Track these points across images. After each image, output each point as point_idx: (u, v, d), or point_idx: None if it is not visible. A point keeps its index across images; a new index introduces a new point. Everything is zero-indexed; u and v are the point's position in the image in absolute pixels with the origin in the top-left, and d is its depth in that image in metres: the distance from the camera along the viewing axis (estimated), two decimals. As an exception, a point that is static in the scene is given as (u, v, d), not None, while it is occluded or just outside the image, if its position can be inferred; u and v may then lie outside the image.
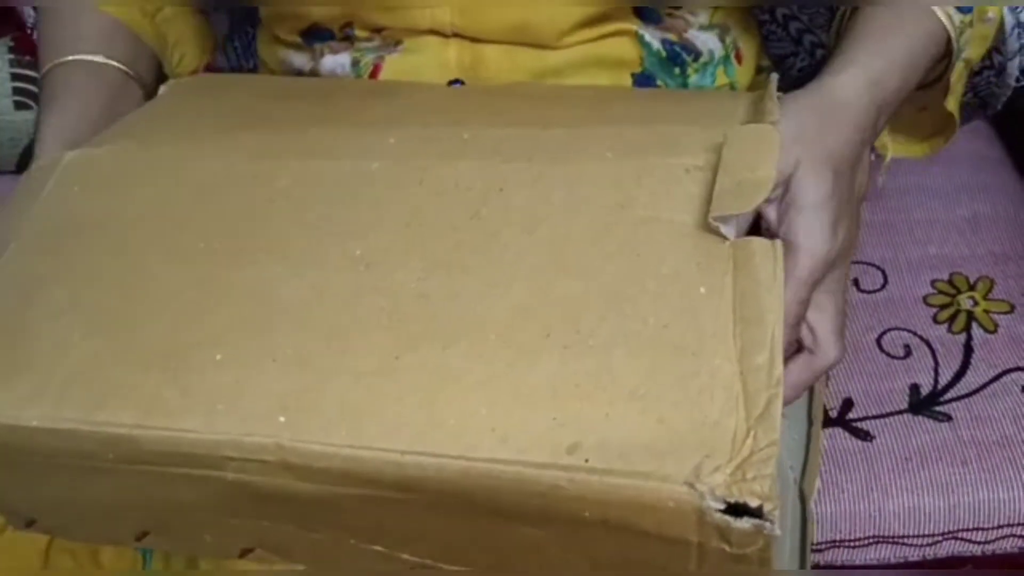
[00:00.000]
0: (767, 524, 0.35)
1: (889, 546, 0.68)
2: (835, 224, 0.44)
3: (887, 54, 0.48)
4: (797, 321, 0.44)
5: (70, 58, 0.61)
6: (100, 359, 0.44)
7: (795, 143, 0.44)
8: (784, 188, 0.44)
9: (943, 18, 0.49)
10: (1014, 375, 0.72)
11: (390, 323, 0.42)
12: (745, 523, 0.35)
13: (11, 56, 0.90)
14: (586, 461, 0.37)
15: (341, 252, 0.45)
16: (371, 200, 0.47)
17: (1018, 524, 0.66)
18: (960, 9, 0.50)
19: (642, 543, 0.38)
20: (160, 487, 0.44)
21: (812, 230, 0.43)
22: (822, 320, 0.45)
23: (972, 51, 0.53)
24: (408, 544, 0.44)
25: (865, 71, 0.47)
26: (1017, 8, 0.54)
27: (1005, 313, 0.77)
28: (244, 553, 0.49)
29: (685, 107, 0.51)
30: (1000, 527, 0.67)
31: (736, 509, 0.35)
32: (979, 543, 0.67)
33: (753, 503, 0.35)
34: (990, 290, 0.78)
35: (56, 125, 0.57)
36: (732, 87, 0.61)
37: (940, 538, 0.67)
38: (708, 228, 0.42)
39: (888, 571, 0.69)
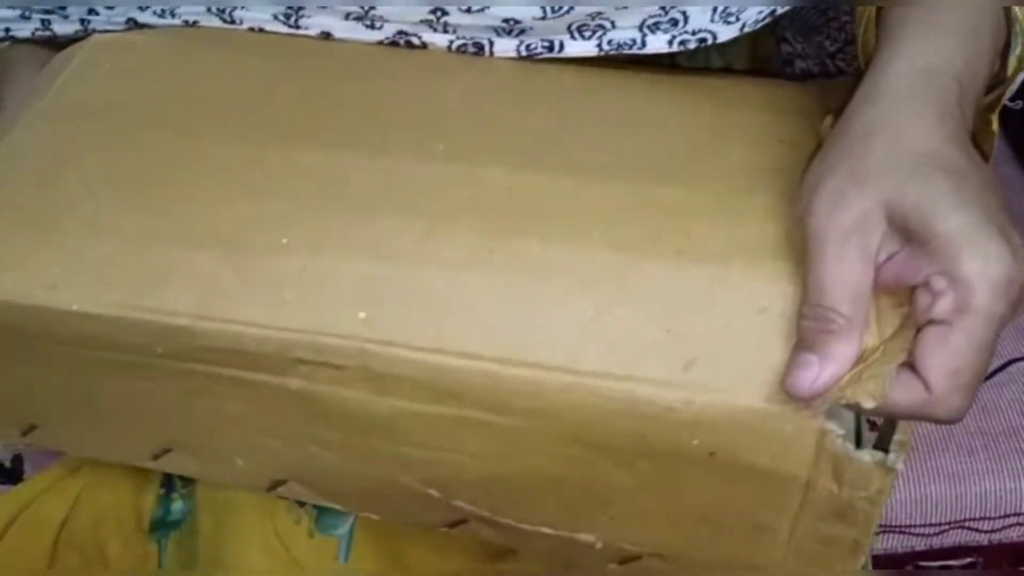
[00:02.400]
0: (889, 458, 0.32)
1: (896, 536, 0.68)
2: (1002, 230, 0.31)
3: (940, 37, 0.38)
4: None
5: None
6: (145, 236, 0.38)
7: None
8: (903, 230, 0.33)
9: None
10: (1020, 365, 0.73)
11: (479, 213, 0.37)
12: (866, 456, 0.32)
13: None
14: (704, 380, 0.33)
15: (418, 144, 0.40)
16: (449, 97, 0.43)
17: (1026, 513, 0.67)
18: None
19: (741, 486, 0.35)
20: (203, 393, 0.39)
21: (976, 246, 0.31)
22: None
23: None
24: (466, 489, 0.40)
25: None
26: None
27: (1010, 304, 0.77)
28: (274, 485, 0.44)
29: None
30: (1007, 516, 0.67)
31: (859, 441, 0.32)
32: (986, 532, 0.68)
33: (866, 403, 0.31)
34: (995, 281, 0.79)
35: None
36: None
37: (947, 527, 0.67)
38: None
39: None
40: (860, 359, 0.32)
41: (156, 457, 0.44)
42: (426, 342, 0.35)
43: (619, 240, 0.36)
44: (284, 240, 0.37)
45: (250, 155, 0.40)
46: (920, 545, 0.68)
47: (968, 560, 0.69)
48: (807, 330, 0.33)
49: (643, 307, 0.34)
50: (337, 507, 0.44)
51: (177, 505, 0.55)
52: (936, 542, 0.68)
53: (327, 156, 0.40)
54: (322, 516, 0.53)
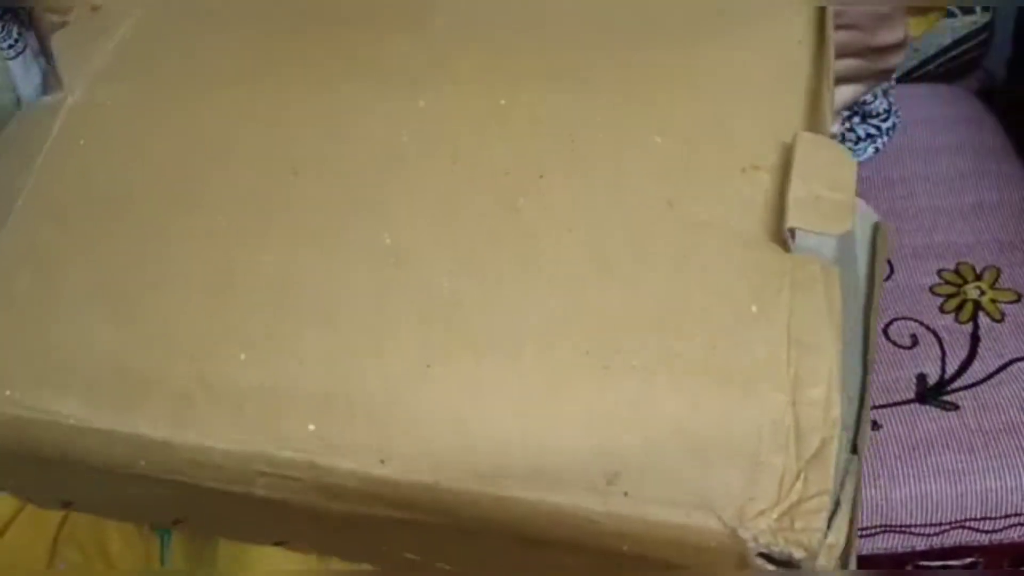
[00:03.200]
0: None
1: (896, 535, 0.68)
2: None
3: None
4: None
5: None
6: (126, 350, 0.41)
7: None
8: None
9: None
10: (1021, 364, 0.72)
11: (420, 326, 0.39)
12: (786, 573, 0.33)
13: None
14: (625, 494, 0.35)
15: (370, 239, 0.42)
16: (401, 179, 0.44)
17: (1025, 513, 0.67)
18: None
19: (676, 573, 0.36)
20: (189, 496, 0.42)
21: None
22: None
23: None
24: (442, 557, 0.43)
25: None
26: None
27: (1012, 302, 0.77)
28: (280, 543, 0.49)
29: (736, 66, 0.45)
30: (1008, 516, 0.67)
31: (775, 561, 0.33)
32: (987, 532, 0.67)
33: (798, 555, 0.33)
34: (996, 279, 0.78)
35: None
36: None
37: (948, 527, 0.67)
38: (764, 238, 0.38)
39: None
40: (780, 494, 0.33)
41: (175, 523, 0.50)
42: (369, 455, 0.37)
43: (551, 359, 0.37)
44: (242, 356, 0.40)
45: (213, 256, 0.43)
46: (920, 545, 0.68)
47: (969, 560, 0.69)
48: None
49: (570, 425, 0.36)
50: (335, 559, 0.49)
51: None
52: (936, 542, 0.68)
53: (283, 257, 0.42)
54: None
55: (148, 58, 0.52)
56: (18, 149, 0.49)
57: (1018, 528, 0.67)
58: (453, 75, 0.46)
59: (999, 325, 0.75)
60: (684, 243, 0.39)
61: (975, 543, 0.68)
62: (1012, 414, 0.69)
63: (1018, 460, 0.67)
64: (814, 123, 0.42)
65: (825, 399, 0.34)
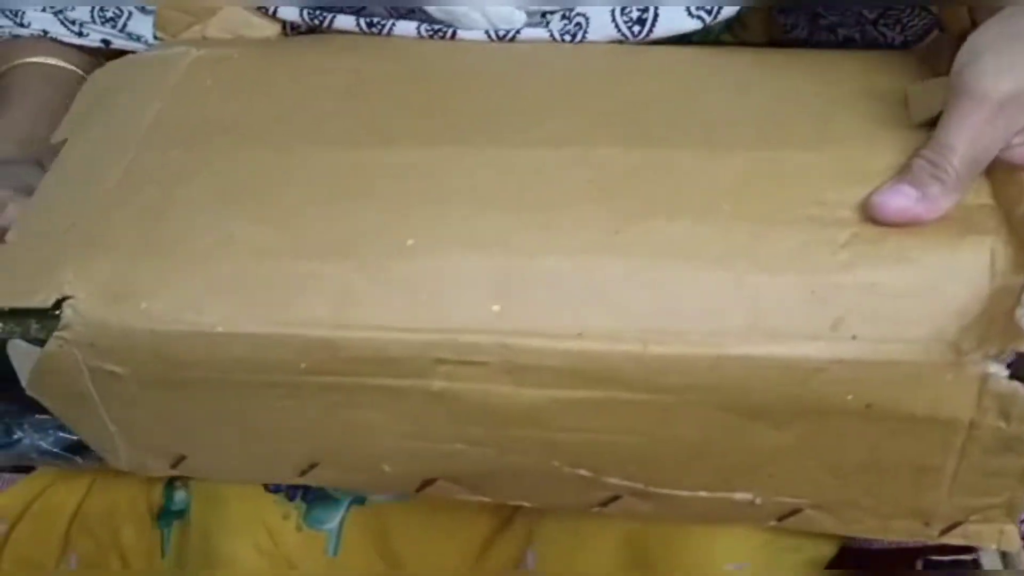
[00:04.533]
0: None
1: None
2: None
3: None
4: None
5: (25, 61, 0.62)
6: (272, 250, 0.39)
7: None
8: None
9: None
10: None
11: (600, 196, 0.37)
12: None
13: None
14: (854, 337, 0.34)
15: (525, 130, 0.41)
16: (547, 90, 0.43)
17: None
18: None
19: (902, 435, 0.36)
20: (347, 405, 0.39)
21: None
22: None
23: None
24: (620, 465, 0.40)
25: None
26: None
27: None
28: (424, 485, 0.44)
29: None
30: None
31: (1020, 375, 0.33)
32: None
33: None
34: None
35: (10, 122, 0.58)
36: None
37: None
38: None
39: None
40: (1007, 315, 0.33)
41: (303, 473, 0.45)
42: (565, 329, 0.35)
43: (751, 211, 0.36)
44: (409, 242, 0.38)
45: (354, 160, 0.41)
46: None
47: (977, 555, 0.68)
48: (920, 168, 0.36)
49: (784, 272, 0.35)
50: (486, 499, 0.44)
51: (180, 494, 0.56)
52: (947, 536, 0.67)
53: (430, 153, 0.40)
54: (311, 510, 0.53)
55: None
56: (144, 86, 0.49)
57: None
58: None
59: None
60: (857, 119, 0.40)
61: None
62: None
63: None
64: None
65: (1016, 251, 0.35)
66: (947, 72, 0.37)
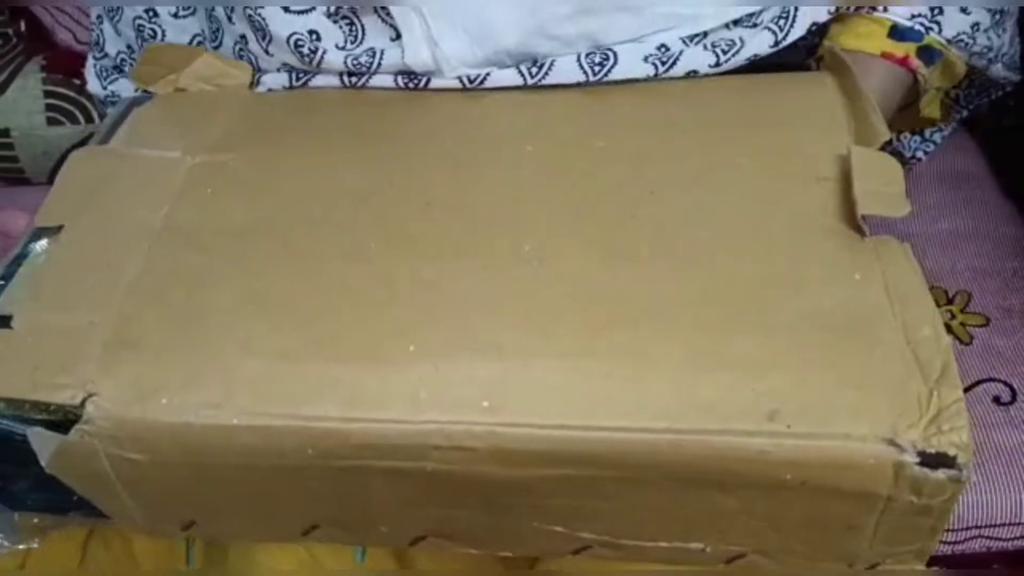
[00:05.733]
0: (962, 473, 0.39)
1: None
2: None
3: None
4: None
5: None
6: (293, 354, 0.43)
7: None
8: None
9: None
10: (985, 385, 0.76)
11: (579, 308, 0.44)
12: (940, 474, 0.39)
13: (43, 75, 0.94)
14: (788, 427, 0.40)
15: (512, 246, 0.47)
16: (529, 198, 0.50)
17: (986, 526, 0.70)
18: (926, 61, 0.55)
19: (832, 502, 0.41)
20: (351, 482, 0.43)
21: None
22: None
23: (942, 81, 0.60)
24: (592, 523, 0.46)
25: None
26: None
27: (980, 326, 0.81)
28: (415, 541, 0.49)
29: (786, 106, 0.56)
30: (967, 528, 0.70)
31: (930, 462, 0.39)
32: (949, 543, 0.71)
33: (952, 452, 0.39)
34: (967, 304, 0.82)
35: None
36: None
37: (965, 534, 0.71)
38: (848, 227, 0.47)
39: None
40: (921, 409, 0.39)
41: (305, 533, 0.49)
42: (548, 419, 0.41)
43: (707, 322, 0.43)
44: (411, 348, 0.43)
45: (370, 271, 0.46)
46: (943, 550, 0.72)
47: (994, 567, 0.73)
48: None
49: (731, 373, 0.42)
50: (471, 551, 0.50)
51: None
52: (958, 549, 0.72)
53: (438, 268, 0.46)
54: None
55: (257, 131, 0.57)
56: (144, 185, 0.52)
57: (979, 540, 0.71)
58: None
59: (967, 348, 0.79)
60: (790, 232, 0.47)
61: (997, 549, 0.71)
62: (975, 433, 0.72)
63: (976, 476, 0.70)
64: (863, 140, 0.51)
65: (934, 334, 0.42)
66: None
